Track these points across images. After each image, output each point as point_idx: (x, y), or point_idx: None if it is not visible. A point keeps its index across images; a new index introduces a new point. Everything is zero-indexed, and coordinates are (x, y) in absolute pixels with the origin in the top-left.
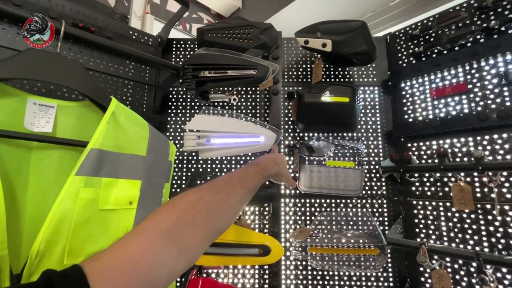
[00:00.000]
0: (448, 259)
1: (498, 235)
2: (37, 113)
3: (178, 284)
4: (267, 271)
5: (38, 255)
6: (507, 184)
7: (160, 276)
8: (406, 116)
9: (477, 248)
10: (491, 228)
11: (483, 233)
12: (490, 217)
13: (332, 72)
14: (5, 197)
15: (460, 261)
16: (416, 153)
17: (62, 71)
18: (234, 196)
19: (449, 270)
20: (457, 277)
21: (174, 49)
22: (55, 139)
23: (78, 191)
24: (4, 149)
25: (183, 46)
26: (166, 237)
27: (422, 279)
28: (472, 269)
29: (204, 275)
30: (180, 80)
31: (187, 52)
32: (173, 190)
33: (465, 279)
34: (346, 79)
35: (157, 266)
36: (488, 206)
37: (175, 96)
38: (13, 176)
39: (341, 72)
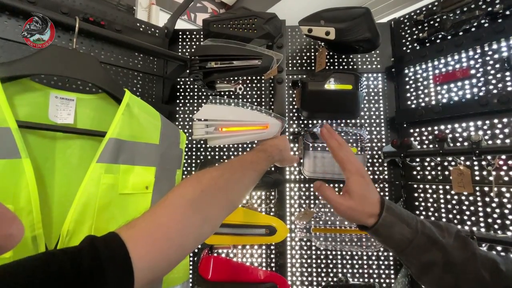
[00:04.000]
0: None
1: (495, 215)
2: (59, 106)
3: (191, 262)
4: (273, 251)
5: (68, 234)
6: (505, 167)
7: (188, 241)
8: (409, 102)
9: (474, 229)
10: (488, 210)
11: (480, 214)
12: (487, 199)
13: (336, 60)
14: (37, 183)
15: None
16: (418, 138)
17: (79, 66)
18: (247, 177)
19: None
20: None
21: (180, 39)
22: (77, 130)
23: (100, 177)
24: (33, 139)
25: (189, 36)
26: (192, 207)
27: None
28: None
29: (215, 255)
30: (188, 71)
31: (193, 43)
32: (184, 176)
33: None
34: (350, 67)
35: (185, 233)
36: (486, 189)
37: (183, 86)
38: (42, 164)
39: (345, 60)
